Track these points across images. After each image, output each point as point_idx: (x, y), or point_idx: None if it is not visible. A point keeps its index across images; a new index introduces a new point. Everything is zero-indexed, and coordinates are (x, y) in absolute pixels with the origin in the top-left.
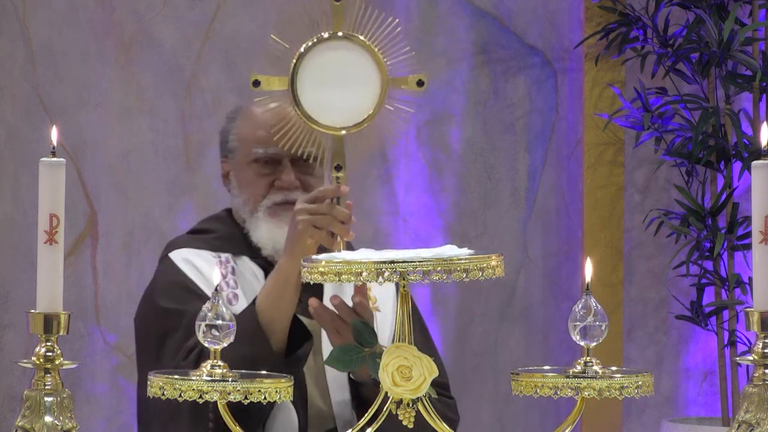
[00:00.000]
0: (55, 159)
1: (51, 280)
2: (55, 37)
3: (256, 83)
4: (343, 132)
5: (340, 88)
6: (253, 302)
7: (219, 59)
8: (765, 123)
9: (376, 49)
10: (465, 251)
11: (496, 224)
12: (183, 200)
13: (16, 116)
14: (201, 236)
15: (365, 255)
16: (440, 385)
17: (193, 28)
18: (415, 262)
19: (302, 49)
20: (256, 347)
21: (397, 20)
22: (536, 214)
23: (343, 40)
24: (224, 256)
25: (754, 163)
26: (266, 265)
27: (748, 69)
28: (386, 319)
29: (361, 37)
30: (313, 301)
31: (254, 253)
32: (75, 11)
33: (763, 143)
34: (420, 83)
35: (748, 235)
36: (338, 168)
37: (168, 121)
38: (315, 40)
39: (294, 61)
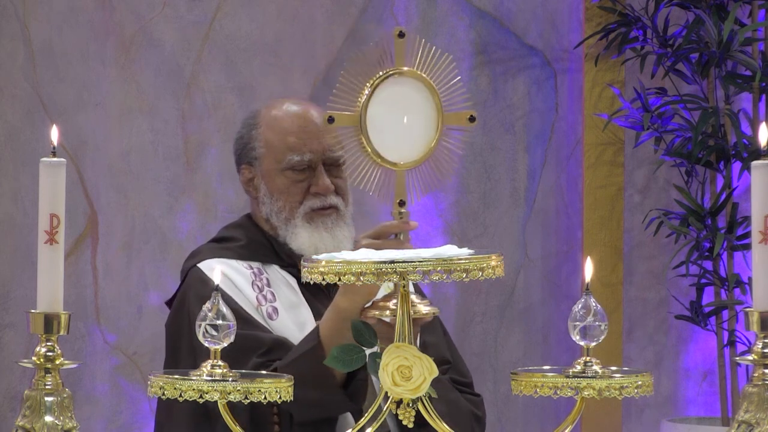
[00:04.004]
0: (55, 159)
1: (51, 280)
2: (55, 37)
3: (331, 120)
4: (406, 168)
5: (401, 123)
6: (317, 343)
7: (219, 59)
8: (764, 123)
9: (434, 85)
10: (465, 251)
11: (495, 224)
12: (183, 200)
13: (16, 116)
14: (227, 245)
15: (365, 255)
16: (465, 385)
17: (193, 28)
18: (415, 262)
19: (370, 86)
20: (327, 389)
21: (452, 56)
22: (536, 214)
23: (403, 75)
24: (255, 266)
25: (754, 163)
26: (298, 273)
27: (748, 69)
28: None
29: (423, 74)
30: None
31: (284, 261)
32: (75, 11)
33: (763, 143)
34: (472, 119)
35: (748, 235)
36: (401, 204)
37: (168, 121)
38: (380, 75)
39: (363, 97)
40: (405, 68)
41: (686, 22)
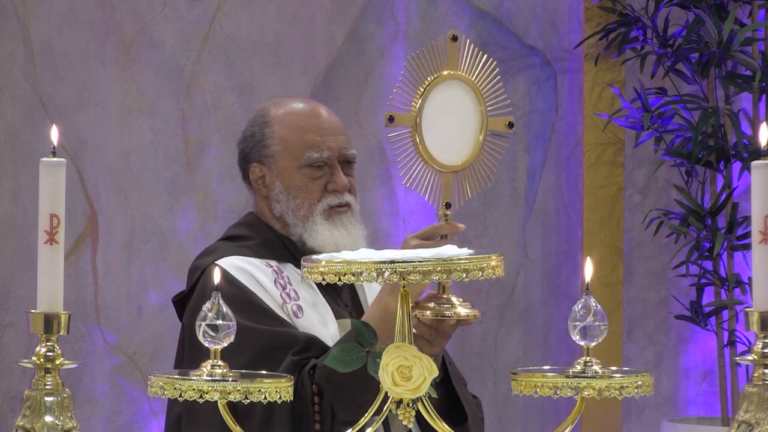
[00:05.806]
0: (55, 159)
1: (51, 280)
2: (55, 37)
3: (391, 119)
4: (455, 170)
5: (450, 126)
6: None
7: (219, 59)
8: (764, 123)
9: (480, 89)
10: (465, 251)
11: (495, 224)
12: (183, 200)
13: (16, 116)
14: (241, 243)
15: (365, 255)
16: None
17: (193, 28)
18: (415, 262)
19: (424, 88)
20: (377, 390)
21: (495, 62)
22: (536, 214)
23: (454, 79)
24: (273, 264)
25: (754, 163)
26: None
27: (748, 69)
28: None
29: (471, 77)
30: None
31: (298, 259)
32: (75, 11)
33: (763, 143)
34: (510, 125)
35: (748, 235)
36: (448, 206)
37: (168, 121)
38: (433, 78)
39: (420, 98)
40: (457, 72)
41: (686, 22)
